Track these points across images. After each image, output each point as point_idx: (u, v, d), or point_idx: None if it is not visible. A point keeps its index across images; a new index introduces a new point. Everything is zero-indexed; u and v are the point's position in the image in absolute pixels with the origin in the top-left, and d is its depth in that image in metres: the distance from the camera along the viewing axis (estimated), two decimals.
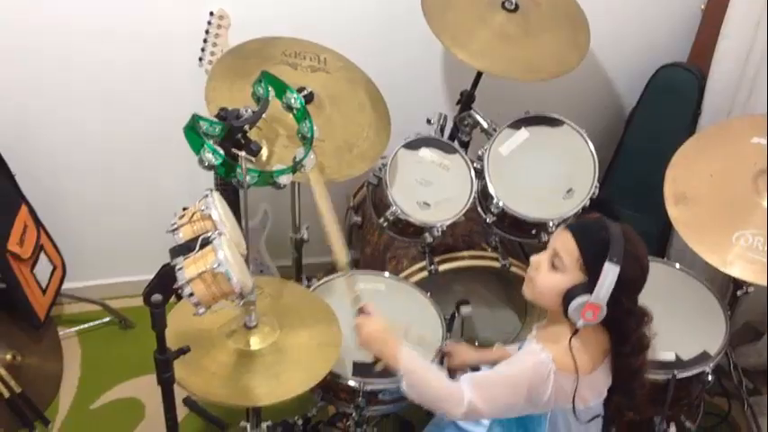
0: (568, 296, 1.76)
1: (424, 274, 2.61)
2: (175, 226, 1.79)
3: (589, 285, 1.74)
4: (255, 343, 2.02)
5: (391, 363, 1.89)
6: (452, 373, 2.19)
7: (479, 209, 2.64)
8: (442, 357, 2.27)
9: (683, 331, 2.36)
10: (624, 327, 1.82)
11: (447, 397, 1.82)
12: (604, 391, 1.89)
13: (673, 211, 2.37)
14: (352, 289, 2.05)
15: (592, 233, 1.78)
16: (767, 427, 2.76)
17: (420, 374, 1.87)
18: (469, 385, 1.81)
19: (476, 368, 2.60)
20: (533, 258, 1.87)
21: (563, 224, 2.59)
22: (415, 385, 1.86)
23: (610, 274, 1.70)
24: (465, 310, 2.47)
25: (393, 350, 1.89)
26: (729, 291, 2.59)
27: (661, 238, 3.04)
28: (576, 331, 1.78)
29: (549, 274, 1.82)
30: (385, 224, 2.56)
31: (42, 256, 2.77)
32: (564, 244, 1.80)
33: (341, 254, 2.03)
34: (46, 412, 2.73)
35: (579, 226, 1.84)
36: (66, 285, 2.95)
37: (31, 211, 2.76)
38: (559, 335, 1.81)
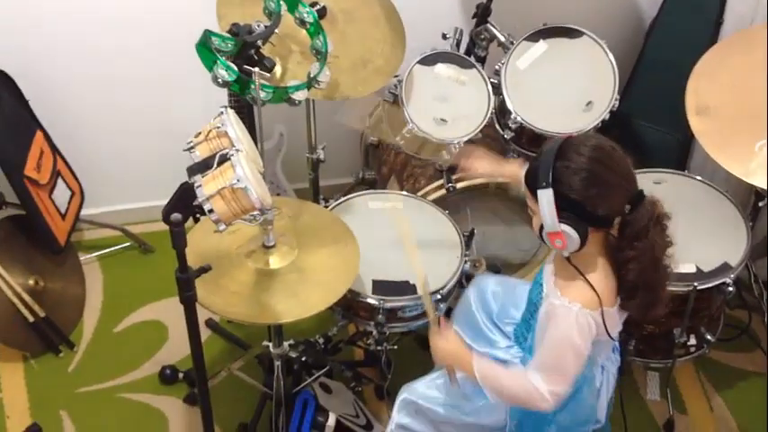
0: (540, 234, 1.77)
1: (442, 192, 2.59)
2: (192, 144, 1.78)
3: None
4: (275, 262, 2.03)
5: (469, 373, 1.89)
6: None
7: (497, 125, 2.60)
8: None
9: (703, 243, 2.35)
10: (621, 233, 1.76)
11: (526, 398, 1.82)
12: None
13: (694, 121, 2.34)
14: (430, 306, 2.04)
15: (530, 169, 1.78)
16: None
17: (494, 381, 1.87)
18: (540, 377, 1.80)
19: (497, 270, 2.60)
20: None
21: None
22: (493, 390, 1.87)
23: (542, 199, 1.70)
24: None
25: (468, 363, 1.88)
26: (751, 202, 2.57)
27: (682, 151, 3.00)
28: (568, 259, 1.77)
29: (533, 220, 1.82)
30: (402, 142, 2.53)
31: (60, 182, 2.76)
32: (526, 191, 1.80)
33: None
34: (70, 336, 2.77)
35: (527, 169, 1.83)
36: (84, 212, 2.96)
37: (47, 137, 2.75)
38: (569, 273, 1.80)
